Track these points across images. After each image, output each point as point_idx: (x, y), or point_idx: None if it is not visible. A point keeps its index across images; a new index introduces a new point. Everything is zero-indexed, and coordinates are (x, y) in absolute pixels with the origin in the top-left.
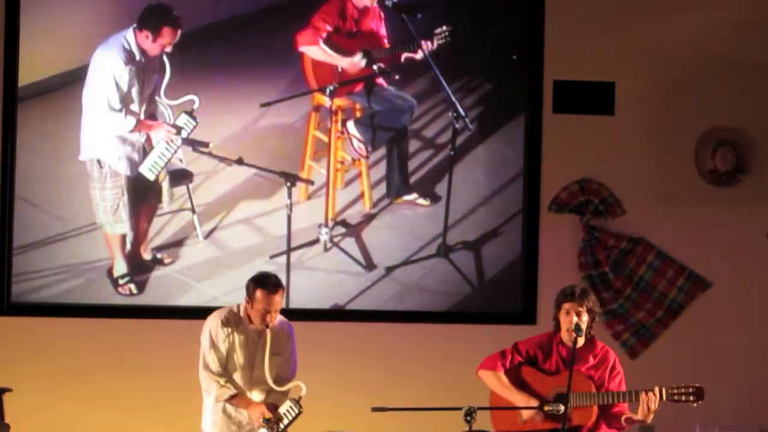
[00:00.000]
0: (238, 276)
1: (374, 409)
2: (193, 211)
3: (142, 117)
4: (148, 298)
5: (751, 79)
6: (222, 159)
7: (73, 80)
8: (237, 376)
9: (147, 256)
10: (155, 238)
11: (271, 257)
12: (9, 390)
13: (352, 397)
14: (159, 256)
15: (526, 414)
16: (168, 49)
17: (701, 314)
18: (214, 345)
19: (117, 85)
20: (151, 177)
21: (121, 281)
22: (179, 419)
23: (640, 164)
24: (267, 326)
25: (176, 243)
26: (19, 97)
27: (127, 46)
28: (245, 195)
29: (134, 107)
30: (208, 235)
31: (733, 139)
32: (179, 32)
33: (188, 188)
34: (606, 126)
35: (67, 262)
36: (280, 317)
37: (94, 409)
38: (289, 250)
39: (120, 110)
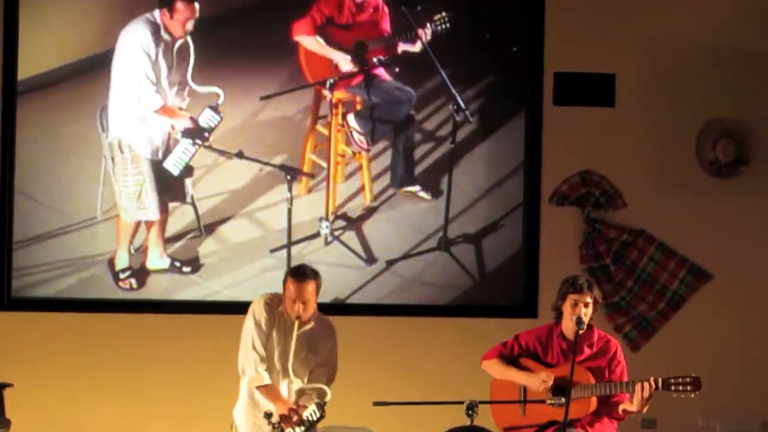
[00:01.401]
0: (239, 270)
1: (376, 404)
2: (194, 205)
3: (169, 102)
4: (148, 293)
5: (751, 70)
6: (222, 153)
7: (73, 73)
8: (272, 364)
9: (163, 263)
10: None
11: (272, 251)
12: (10, 385)
13: (354, 392)
14: (177, 264)
15: (535, 385)
16: (189, 27)
17: (703, 306)
18: (257, 325)
19: (147, 55)
20: (176, 172)
21: (122, 275)
22: (181, 414)
23: (641, 156)
24: (298, 318)
25: (176, 237)
26: (19, 91)
27: (152, 19)
28: (245, 189)
29: (162, 88)
30: (208, 229)
31: (734, 130)
32: (196, 6)
33: (189, 182)
34: (607, 118)
35: (67, 257)
36: (326, 320)
37: (95, 405)
38: (289, 244)
39: (154, 84)
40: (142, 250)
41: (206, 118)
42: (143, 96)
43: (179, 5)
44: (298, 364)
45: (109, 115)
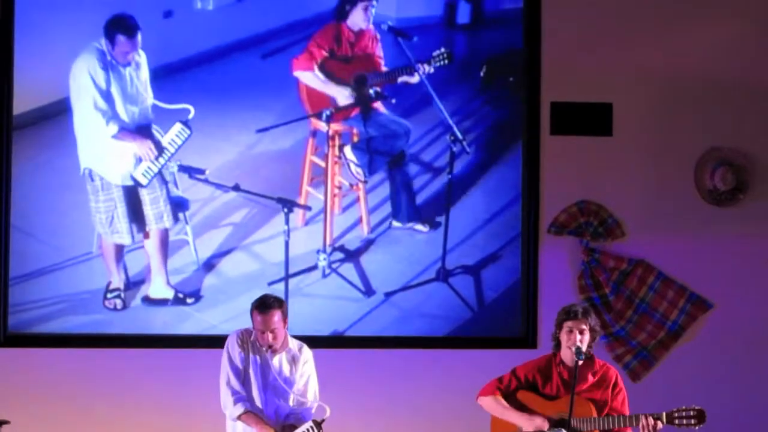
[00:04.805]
0: (237, 303)
1: None
2: (190, 239)
3: (127, 126)
4: (146, 327)
5: (749, 98)
6: (218, 186)
7: (67, 108)
8: (254, 396)
9: (167, 293)
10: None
11: (270, 284)
12: (6, 422)
13: (353, 424)
14: (181, 295)
15: (531, 426)
16: (131, 58)
17: (703, 336)
18: (230, 361)
19: (95, 83)
20: (144, 182)
21: (109, 295)
22: None
23: (639, 185)
24: (270, 347)
25: (173, 271)
26: (14, 125)
27: (99, 47)
28: (242, 222)
29: (119, 113)
30: (205, 263)
31: (733, 158)
32: (138, 41)
33: (185, 216)
34: (604, 147)
35: (63, 292)
36: (297, 342)
37: None
38: (287, 277)
39: (105, 111)
40: (144, 279)
41: (175, 132)
42: (102, 122)
43: (120, 39)
44: (281, 390)
45: (77, 146)
